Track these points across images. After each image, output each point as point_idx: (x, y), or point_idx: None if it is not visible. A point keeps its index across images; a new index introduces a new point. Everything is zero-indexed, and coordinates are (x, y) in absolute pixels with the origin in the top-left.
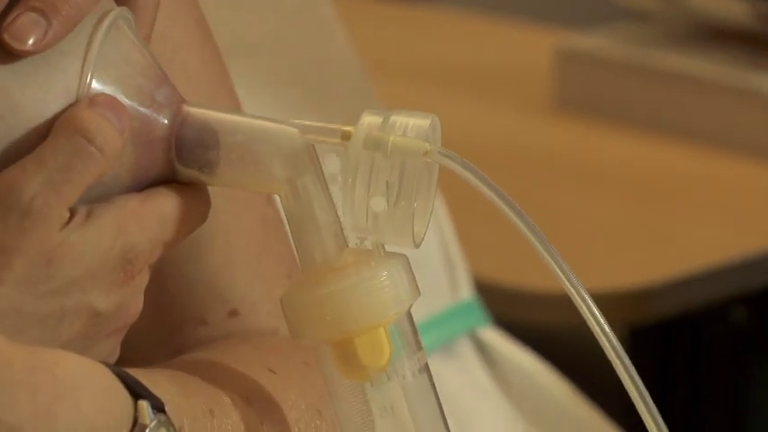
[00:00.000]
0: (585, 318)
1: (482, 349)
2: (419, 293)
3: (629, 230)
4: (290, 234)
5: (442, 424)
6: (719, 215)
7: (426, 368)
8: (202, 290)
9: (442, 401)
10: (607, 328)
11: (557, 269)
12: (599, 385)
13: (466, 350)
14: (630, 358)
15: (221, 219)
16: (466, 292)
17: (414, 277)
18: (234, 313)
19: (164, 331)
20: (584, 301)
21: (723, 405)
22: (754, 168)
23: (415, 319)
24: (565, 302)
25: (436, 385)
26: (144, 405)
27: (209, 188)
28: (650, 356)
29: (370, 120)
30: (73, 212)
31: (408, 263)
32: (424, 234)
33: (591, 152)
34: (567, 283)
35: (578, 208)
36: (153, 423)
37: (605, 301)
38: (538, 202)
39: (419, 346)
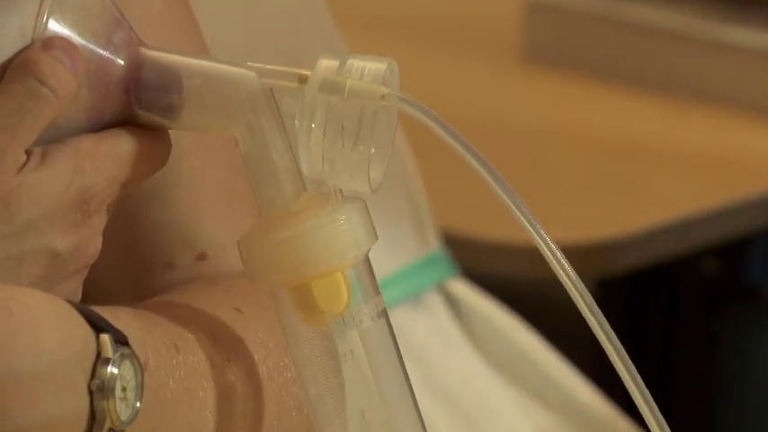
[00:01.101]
0: (554, 269)
1: (450, 301)
2: (377, 238)
3: (600, 183)
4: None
5: (400, 368)
6: (690, 167)
7: (384, 313)
8: (170, 234)
9: (410, 353)
10: (575, 278)
11: (522, 219)
12: (568, 337)
13: (434, 302)
14: (601, 311)
15: (188, 162)
16: (434, 244)
17: (371, 222)
18: (202, 257)
19: (131, 276)
20: (551, 252)
21: (695, 355)
22: (724, 120)
23: (383, 272)
24: (533, 254)
25: (405, 337)
26: (106, 338)
27: (178, 132)
28: (621, 308)
29: (326, 64)
30: (28, 154)
31: (366, 207)
32: (382, 179)
33: (560, 105)
34: (534, 234)
35: (548, 161)
36: (116, 356)
37: (575, 254)
38: (507, 155)
39: (377, 291)
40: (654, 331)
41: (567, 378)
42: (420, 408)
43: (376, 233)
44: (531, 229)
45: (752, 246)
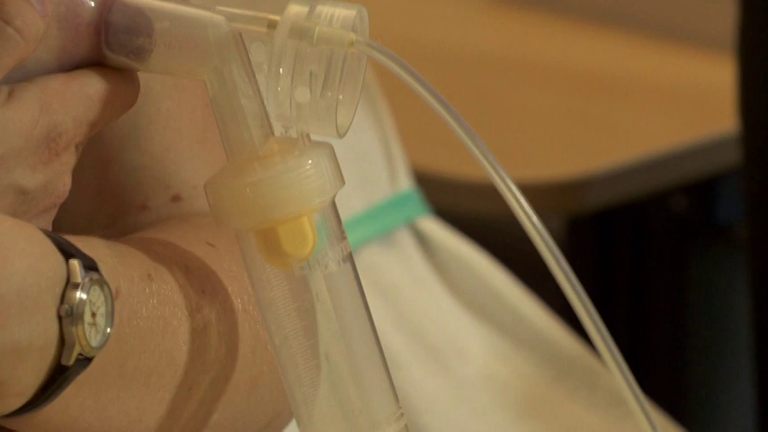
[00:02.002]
0: (511, 206)
1: (421, 239)
2: (343, 183)
3: (569, 120)
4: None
5: (365, 312)
6: (659, 105)
7: (350, 258)
8: (144, 176)
9: (381, 291)
10: (535, 218)
11: (480, 157)
12: (538, 275)
13: (405, 240)
14: (571, 248)
15: (162, 105)
16: (405, 183)
17: (338, 167)
18: (176, 198)
19: (105, 217)
20: (510, 190)
21: (664, 293)
22: (695, 57)
23: (354, 211)
24: None
25: (376, 275)
26: (75, 263)
27: (151, 75)
28: (591, 247)
29: (296, 9)
30: None
31: (333, 152)
32: (350, 124)
33: (530, 43)
34: (492, 172)
35: (517, 98)
36: (85, 281)
37: (544, 192)
38: (476, 94)
39: (343, 236)
40: (623, 269)
41: (538, 315)
42: (390, 345)
43: (343, 177)
44: (489, 168)
45: (721, 184)
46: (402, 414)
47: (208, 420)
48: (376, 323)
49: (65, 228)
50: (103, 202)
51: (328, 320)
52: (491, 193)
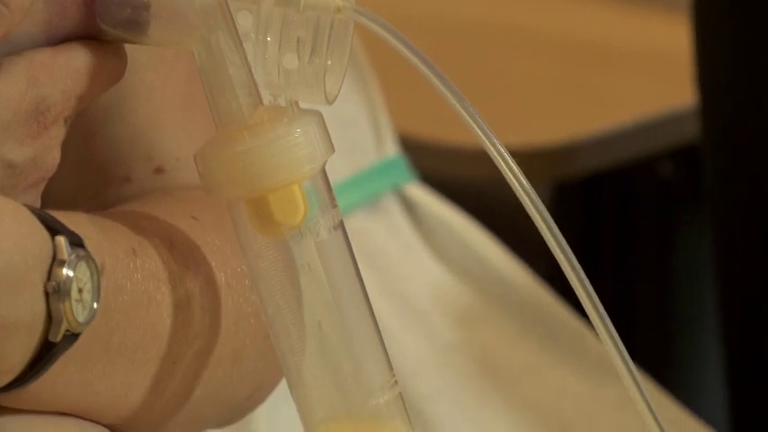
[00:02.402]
0: (503, 172)
1: (408, 205)
2: (333, 150)
3: (556, 87)
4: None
5: (357, 279)
6: (647, 71)
7: (341, 225)
8: (127, 148)
9: (367, 257)
10: (525, 182)
11: (471, 122)
12: (525, 241)
13: (392, 206)
14: (558, 213)
15: (146, 76)
16: (391, 148)
17: (328, 134)
18: (159, 170)
19: (88, 189)
20: (500, 154)
21: (651, 259)
22: (682, 23)
23: (340, 176)
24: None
25: (362, 241)
26: (61, 240)
27: (135, 47)
28: (577, 212)
29: None
30: None
31: (323, 120)
32: (338, 91)
33: (517, 11)
34: (482, 137)
35: (504, 66)
36: (71, 257)
37: (532, 158)
38: (463, 60)
39: (333, 204)
40: (610, 235)
41: (524, 281)
42: (377, 310)
43: (332, 145)
44: (479, 133)
45: None
46: (396, 382)
47: (191, 394)
48: None
49: (49, 200)
50: (87, 174)
51: (320, 289)
52: (477, 158)
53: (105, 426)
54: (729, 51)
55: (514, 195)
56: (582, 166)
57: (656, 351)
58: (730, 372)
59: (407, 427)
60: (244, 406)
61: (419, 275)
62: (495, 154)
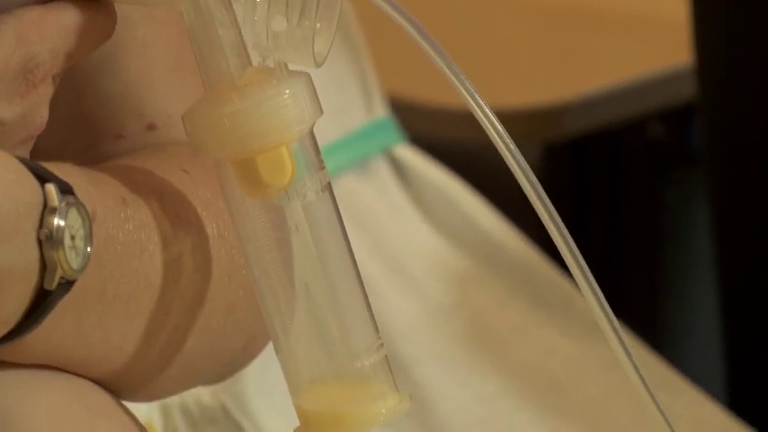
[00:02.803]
0: (488, 133)
1: (397, 167)
2: (321, 112)
3: (546, 48)
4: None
5: (344, 242)
6: (637, 31)
7: (329, 187)
8: (119, 104)
9: (357, 218)
10: (512, 144)
11: (457, 83)
12: (514, 202)
13: (381, 168)
14: (547, 175)
15: (138, 33)
16: (380, 110)
17: (316, 96)
18: (151, 127)
19: (79, 146)
20: (486, 116)
21: (640, 220)
22: None
23: (329, 138)
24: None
25: (352, 202)
26: (51, 187)
27: (127, 5)
28: (567, 173)
29: None
30: None
31: (311, 81)
32: (327, 54)
33: None
34: (467, 97)
35: (494, 26)
36: (62, 204)
37: (521, 119)
38: (451, 22)
39: (321, 166)
40: (600, 195)
41: (513, 242)
42: (366, 272)
43: (321, 107)
44: (464, 93)
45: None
46: (382, 344)
47: (184, 345)
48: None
49: (39, 156)
50: (78, 130)
51: (307, 251)
52: (466, 120)
53: (97, 380)
54: (726, 10)
55: (502, 157)
56: (571, 128)
57: (645, 311)
58: (725, 330)
59: (393, 390)
60: (238, 359)
61: (408, 237)
62: (481, 114)
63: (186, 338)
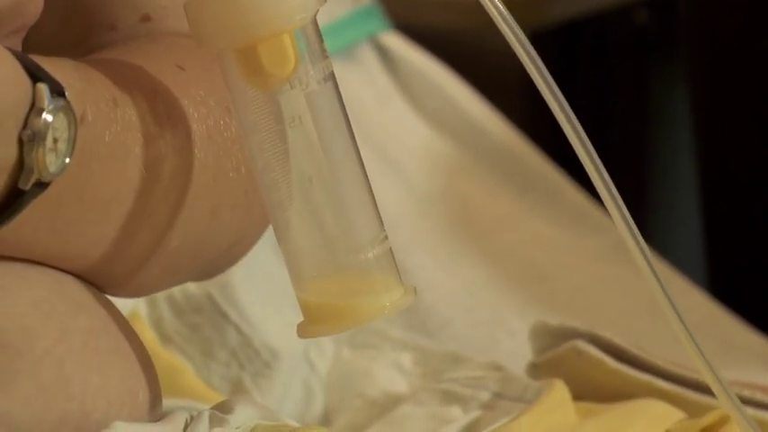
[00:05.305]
0: (492, 16)
1: (384, 54)
2: (325, 1)
3: None
4: None
5: (348, 133)
6: None
7: (332, 77)
8: None
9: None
10: (512, 22)
11: None
12: (499, 87)
13: (368, 56)
14: None
15: None
16: None
17: None
18: (146, 18)
19: (73, 37)
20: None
21: (625, 105)
22: None
23: None
24: (464, 5)
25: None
26: (42, 88)
27: None
28: (554, 59)
29: None
30: None
31: None
32: None
33: None
34: None
35: None
36: (50, 107)
37: (508, 5)
38: None
39: (324, 55)
40: (585, 82)
41: (500, 130)
42: None
43: None
44: None
45: None
46: (386, 237)
47: (168, 246)
48: None
49: (32, 46)
50: (72, 21)
51: (310, 141)
52: (451, 5)
53: (78, 275)
54: None
55: (491, 41)
56: (558, 14)
57: (630, 198)
58: (706, 213)
59: (398, 283)
60: (223, 258)
61: (395, 125)
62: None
63: (169, 239)
